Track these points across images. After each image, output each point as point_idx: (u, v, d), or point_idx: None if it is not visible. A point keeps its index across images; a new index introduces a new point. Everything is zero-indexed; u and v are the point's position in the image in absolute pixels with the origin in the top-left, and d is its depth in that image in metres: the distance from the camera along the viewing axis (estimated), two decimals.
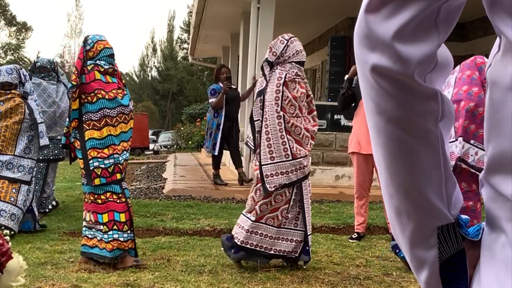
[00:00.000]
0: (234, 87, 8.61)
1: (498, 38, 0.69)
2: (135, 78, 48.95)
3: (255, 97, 4.30)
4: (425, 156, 0.69)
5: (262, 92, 4.16)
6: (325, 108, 10.03)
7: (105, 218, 4.09)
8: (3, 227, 4.84)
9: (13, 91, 5.19)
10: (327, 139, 8.75)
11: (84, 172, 4.11)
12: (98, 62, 4.21)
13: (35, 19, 78.80)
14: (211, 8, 11.01)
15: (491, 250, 0.68)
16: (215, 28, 13.23)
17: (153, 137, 30.81)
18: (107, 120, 4.12)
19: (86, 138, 4.09)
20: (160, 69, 47.38)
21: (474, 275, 0.72)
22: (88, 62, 4.21)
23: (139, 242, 5.02)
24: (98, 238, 4.10)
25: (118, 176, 4.14)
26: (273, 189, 4.02)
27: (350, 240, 5.28)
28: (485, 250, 0.70)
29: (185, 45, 43.67)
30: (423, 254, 0.73)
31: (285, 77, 4.08)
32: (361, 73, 0.70)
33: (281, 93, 4.05)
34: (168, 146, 26.89)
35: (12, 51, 39.64)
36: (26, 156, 5.16)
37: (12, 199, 5.03)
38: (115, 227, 4.10)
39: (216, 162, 8.35)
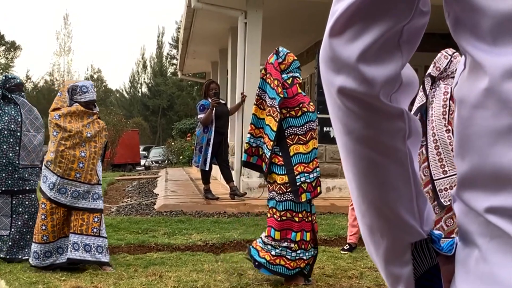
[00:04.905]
0: (223, 102, 8.65)
1: (463, 56, 0.70)
2: (125, 95, 48.99)
3: (413, 112, 4.12)
4: (394, 174, 0.70)
5: (422, 107, 4.09)
6: None
7: (298, 236, 4.02)
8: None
9: (95, 110, 4.73)
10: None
11: (283, 188, 4.00)
12: (293, 74, 4.15)
13: (24, 38, 78.74)
14: (199, 24, 11.08)
15: (465, 265, 0.69)
16: (204, 43, 13.29)
17: (144, 152, 30.74)
18: (312, 133, 4.05)
19: (291, 154, 3.99)
20: (150, 85, 47.45)
21: None
22: (284, 76, 4.12)
23: (131, 258, 5.02)
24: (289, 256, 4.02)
25: (319, 189, 4.06)
26: (448, 202, 3.97)
27: (342, 252, 5.30)
28: (459, 265, 0.71)
29: (175, 61, 43.83)
30: (398, 271, 0.74)
31: (451, 92, 4.03)
32: (328, 95, 0.71)
33: (448, 108, 4.02)
34: (159, 162, 26.86)
35: (1, 71, 39.53)
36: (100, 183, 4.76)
37: (94, 230, 4.56)
38: (303, 246, 4.05)
39: (206, 177, 8.37)
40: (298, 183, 3.96)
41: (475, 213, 0.66)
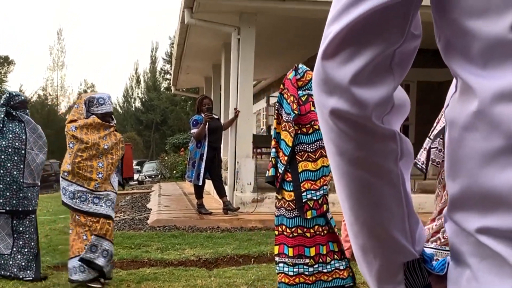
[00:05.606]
0: (216, 117, 8.69)
1: (454, 79, 0.71)
2: (119, 109, 48.99)
3: (437, 125, 4.12)
4: (387, 195, 0.71)
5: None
6: None
7: (312, 251, 4.00)
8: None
9: (112, 123, 4.69)
10: None
11: (291, 204, 4.00)
12: (309, 92, 4.15)
13: (17, 53, 78.77)
14: (192, 39, 11.14)
15: (457, 285, 0.69)
16: (197, 59, 13.36)
17: (137, 167, 30.68)
18: (322, 151, 4.04)
19: (299, 170, 3.99)
20: (143, 99, 47.53)
21: None
22: (300, 92, 4.13)
23: (124, 274, 5.01)
24: (307, 273, 3.99)
25: (325, 207, 4.06)
26: None
27: None
28: (451, 284, 0.72)
29: (168, 76, 43.96)
30: None
31: None
32: (320, 117, 0.72)
33: None
34: (153, 176, 26.80)
35: None
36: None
37: (111, 236, 4.58)
38: (320, 260, 4.03)
39: (199, 191, 8.38)
40: (304, 200, 3.96)
41: (466, 233, 0.67)
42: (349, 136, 0.69)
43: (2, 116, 4.90)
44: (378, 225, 0.73)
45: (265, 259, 5.67)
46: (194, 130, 8.15)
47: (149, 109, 45.38)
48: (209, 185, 9.58)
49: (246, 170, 8.71)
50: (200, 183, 8.18)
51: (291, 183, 4.01)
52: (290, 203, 4.00)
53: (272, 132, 4.28)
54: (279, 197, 4.09)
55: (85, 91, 49.34)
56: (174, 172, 20.38)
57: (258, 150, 12.17)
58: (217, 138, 8.41)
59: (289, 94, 4.07)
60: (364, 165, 0.70)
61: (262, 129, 19.59)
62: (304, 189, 3.98)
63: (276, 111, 4.20)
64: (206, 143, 8.10)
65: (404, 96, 0.76)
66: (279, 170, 4.05)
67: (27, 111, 5.14)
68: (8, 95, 5.09)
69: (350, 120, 0.68)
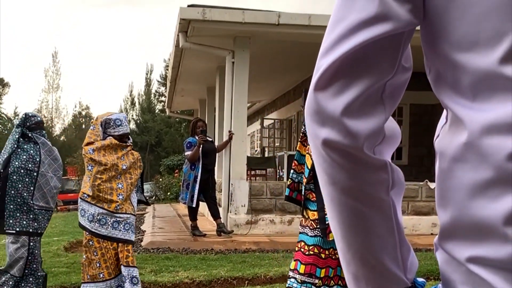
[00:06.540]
0: (210, 139, 8.73)
1: (445, 110, 0.72)
2: None
3: None
4: (378, 224, 0.72)
5: None
6: None
7: (322, 273, 4.02)
8: None
9: (128, 142, 4.63)
10: None
11: (314, 223, 4.04)
12: None
13: (12, 75, 78.93)
14: (187, 63, 11.23)
15: None
16: (191, 82, 13.44)
17: None
18: None
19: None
20: (138, 121, 47.58)
21: None
22: None
23: None
24: None
25: None
26: None
27: None
28: None
29: (163, 98, 44.11)
30: None
31: None
32: (313, 146, 0.74)
33: None
34: (147, 198, 26.74)
35: None
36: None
37: (134, 261, 4.47)
38: (326, 282, 4.03)
39: (193, 213, 8.39)
40: (326, 222, 3.97)
41: (457, 262, 0.68)
42: (341, 166, 0.70)
43: (17, 136, 4.80)
44: (370, 253, 0.74)
45: (259, 281, 5.66)
46: (188, 152, 8.19)
47: (143, 130, 45.41)
48: (203, 207, 9.58)
49: (240, 192, 8.73)
50: (194, 205, 8.19)
51: (315, 203, 4.07)
52: (312, 222, 4.05)
53: (295, 154, 4.34)
54: (306, 216, 4.14)
55: (80, 113, 49.39)
56: (168, 193, 20.37)
57: (252, 172, 12.20)
58: (211, 160, 8.45)
59: None
60: (356, 194, 0.71)
61: (256, 151, 19.62)
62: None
63: (302, 134, 4.26)
64: (200, 165, 8.13)
65: (395, 126, 0.79)
66: (301, 193, 4.12)
67: (43, 132, 5.00)
68: (24, 116, 4.95)
69: (342, 151, 0.69)
